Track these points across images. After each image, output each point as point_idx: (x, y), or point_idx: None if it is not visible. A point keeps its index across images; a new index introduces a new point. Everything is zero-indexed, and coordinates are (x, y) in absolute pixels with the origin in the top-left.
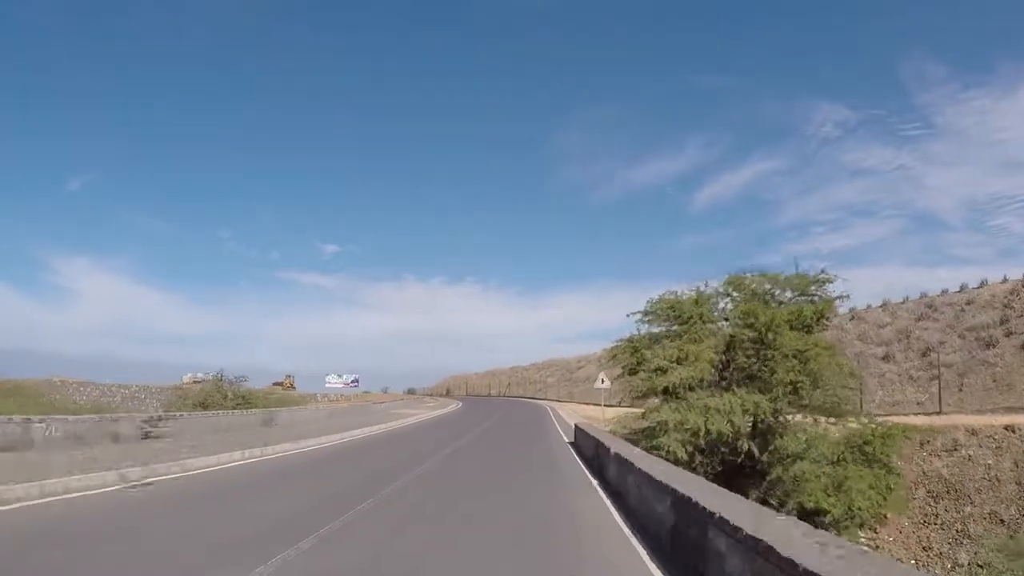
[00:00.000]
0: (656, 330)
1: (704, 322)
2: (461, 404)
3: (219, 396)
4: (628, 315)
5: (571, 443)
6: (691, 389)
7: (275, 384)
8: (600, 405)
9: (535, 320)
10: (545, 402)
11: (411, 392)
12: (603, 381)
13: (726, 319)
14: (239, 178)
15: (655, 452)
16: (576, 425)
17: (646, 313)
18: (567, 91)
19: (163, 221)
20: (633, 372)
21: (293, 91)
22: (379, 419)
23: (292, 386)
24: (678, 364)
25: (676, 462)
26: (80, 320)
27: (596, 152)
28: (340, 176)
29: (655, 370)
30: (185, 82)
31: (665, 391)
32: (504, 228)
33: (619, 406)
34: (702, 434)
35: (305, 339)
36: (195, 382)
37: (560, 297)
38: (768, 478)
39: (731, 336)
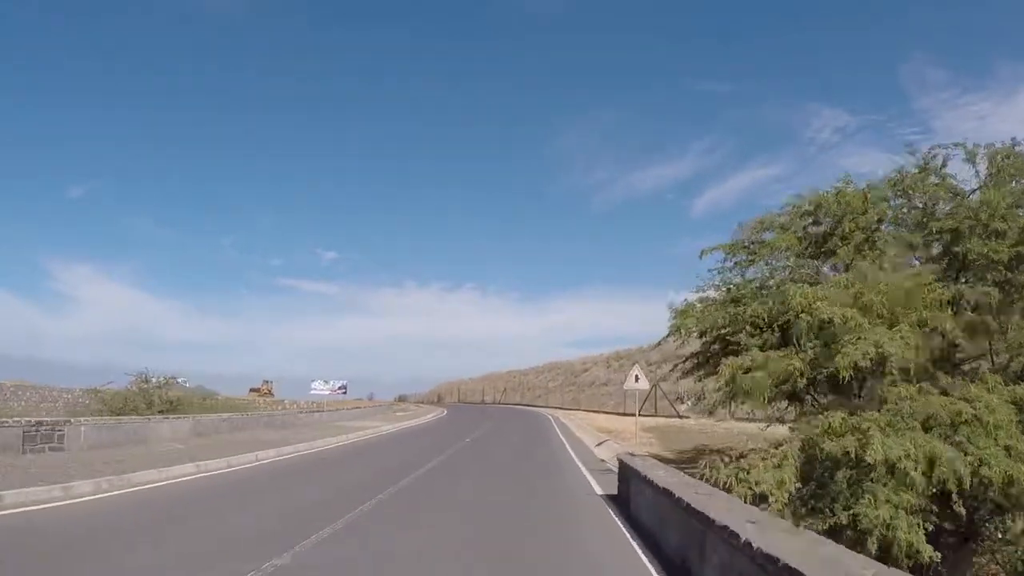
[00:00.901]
0: (761, 269)
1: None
2: (445, 413)
3: (142, 400)
4: (703, 252)
5: (609, 499)
6: (913, 379)
7: (252, 390)
8: (622, 413)
9: (535, 326)
10: (547, 411)
11: (402, 399)
12: (637, 379)
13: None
14: (240, 184)
15: (843, 540)
16: (621, 462)
17: (731, 249)
18: (568, 96)
19: (164, 228)
20: (731, 349)
21: (292, 94)
22: (301, 437)
23: (270, 392)
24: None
25: (912, 568)
26: (82, 327)
27: (597, 157)
28: (340, 181)
29: (818, 332)
30: (185, 86)
31: (850, 377)
32: (504, 233)
33: (641, 414)
34: (964, 483)
35: (306, 345)
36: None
37: (560, 303)
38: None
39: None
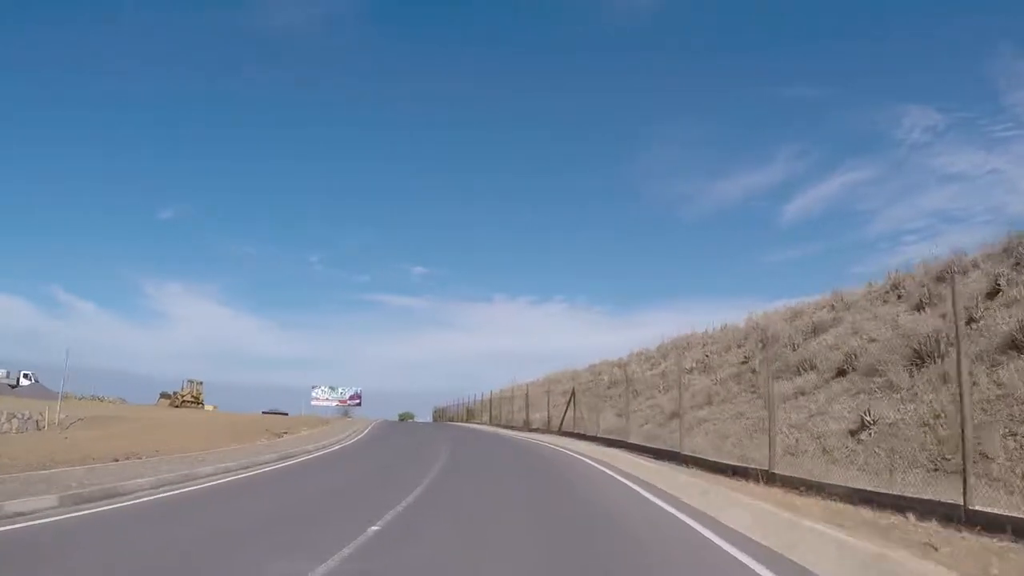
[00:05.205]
0: None
1: None
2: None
3: None
4: None
5: None
6: None
7: (163, 396)
8: None
9: (624, 338)
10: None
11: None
12: None
13: None
14: (328, 201)
15: None
16: None
17: None
18: (652, 107)
19: (252, 246)
20: None
21: (379, 111)
22: None
23: (195, 399)
24: None
25: None
26: (174, 344)
27: (683, 168)
28: (429, 196)
29: None
30: (274, 105)
31: None
32: (592, 246)
33: None
34: None
35: (391, 360)
36: None
37: (649, 315)
38: None
39: None
